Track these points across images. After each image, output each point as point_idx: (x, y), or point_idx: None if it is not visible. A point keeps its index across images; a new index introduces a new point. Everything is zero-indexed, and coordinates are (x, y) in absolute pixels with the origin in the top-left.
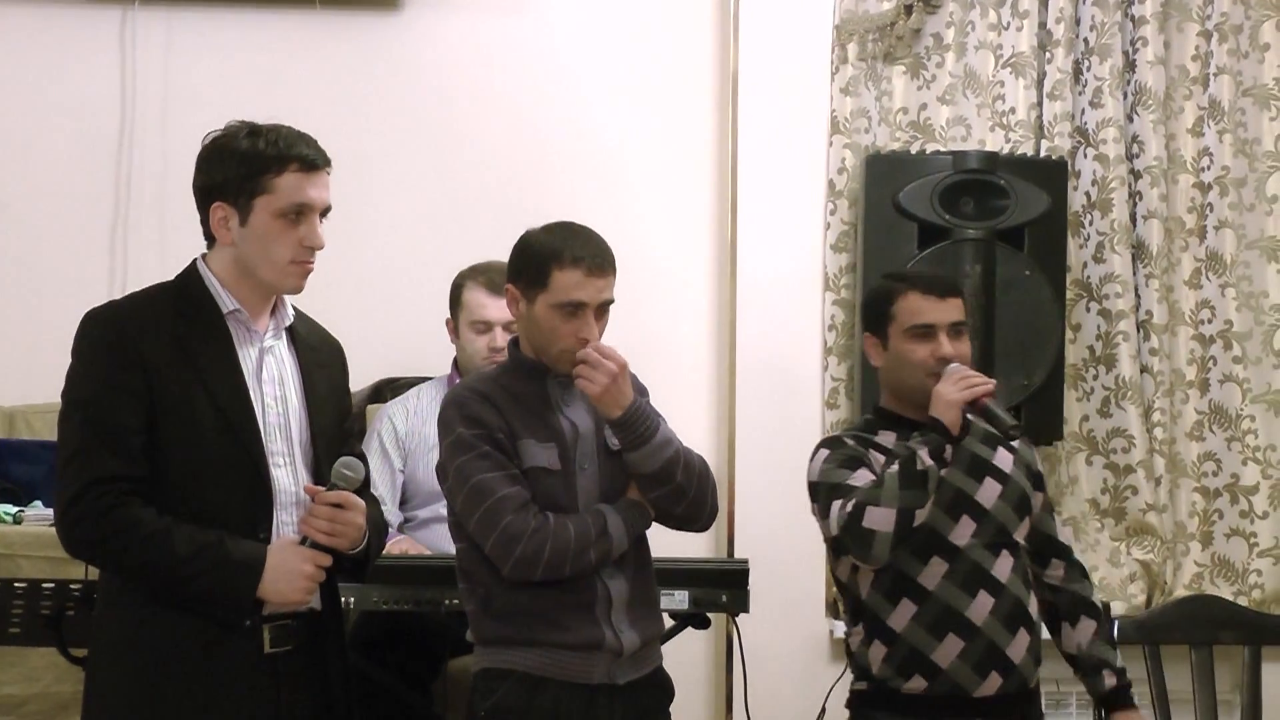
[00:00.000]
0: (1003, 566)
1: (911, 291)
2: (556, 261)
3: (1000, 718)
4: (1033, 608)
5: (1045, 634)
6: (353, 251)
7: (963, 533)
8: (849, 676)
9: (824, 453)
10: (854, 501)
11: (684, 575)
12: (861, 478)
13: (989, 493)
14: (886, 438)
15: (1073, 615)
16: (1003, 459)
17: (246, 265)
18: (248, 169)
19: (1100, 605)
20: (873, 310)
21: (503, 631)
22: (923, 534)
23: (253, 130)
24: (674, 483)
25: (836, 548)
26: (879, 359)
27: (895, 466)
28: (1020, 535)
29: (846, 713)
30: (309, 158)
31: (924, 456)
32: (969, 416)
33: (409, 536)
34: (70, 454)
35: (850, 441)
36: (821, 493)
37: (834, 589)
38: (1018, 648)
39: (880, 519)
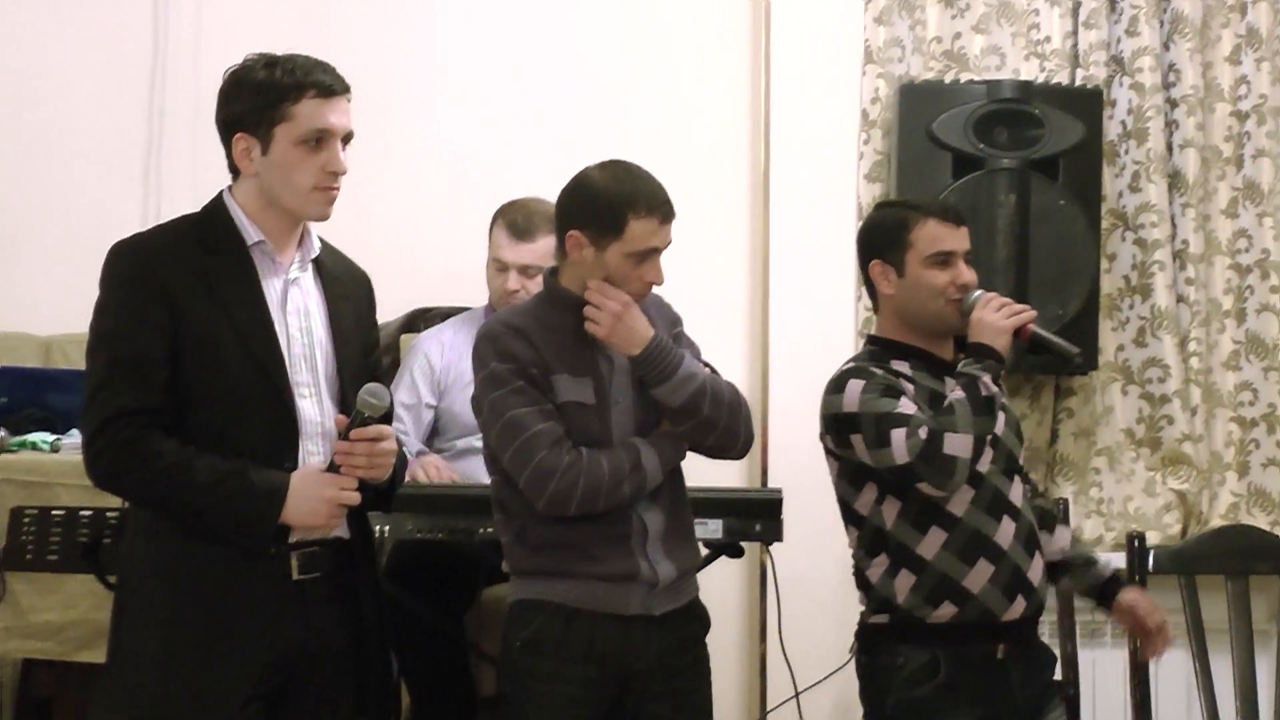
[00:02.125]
0: (1016, 492)
1: (930, 219)
2: (632, 210)
3: (1021, 640)
4: (1037, 531)
5: None
6: (387, 180)
7: (984, 460)
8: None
9: (857, 382)
10: (928, 430)
11: (718, 504)
12: (907, 406)
13: (999, 420)
14: (901, 366)
15: (1048, 525)
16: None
17: (271, 194)
18: (265, 98)
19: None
20: (884, 238)
21: (538, 563)
22: None
23: (270, 61)
24: (701, 415)
25: (898, 476)
26: (890, 287)
27: (961, 393)
28: (1022, 459)
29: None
30: (326, 84)
31: (987, 382)
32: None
33: (440, 459)
34: (95, 387)
35: (879, 370)
36: (868, 422)
37: None
38: (1036, 570)
39: (959, 445)
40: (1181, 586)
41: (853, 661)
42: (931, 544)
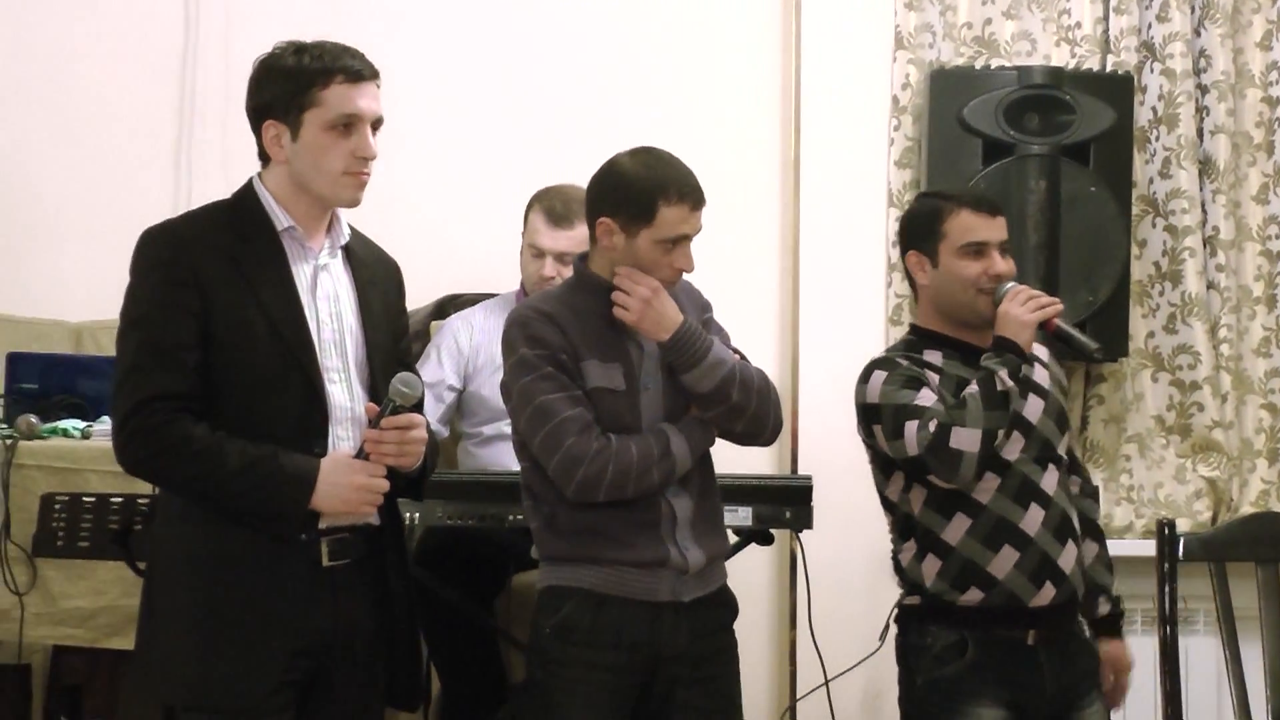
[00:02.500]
0: (1049, 480)
1: (963, 209)
2: (663, 197)
3: (1052, 627)
4: (1076, 520)
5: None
6: (418, 166)
7: (1013, 448)
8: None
9: (880, 374)
10: (937, 423)
11: (748, 491)
12: (926, 398)
13: (1034, 408)
14: (933, 356)
15: (1085, 534)
16: (1040, 375)
17: (301, 180)
18: (294, 84)
19: (1103, 532)
20: (919, 228)
21: (568, 549)
22: None
23: (298, 48)
24: (730, 402)
25: (912, 467)
26: (925, 277)
27: (975, 387)
28: (1062, 449)
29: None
30: (354, 69)
31: (1004, 377)
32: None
33: (474, 456)
34: (125, 372)
35: (904, 362)
36: (887, 414)
37: None
38: (1067, 558)
39: (966, 439)
40: (1212, 574)
41: (882, 649)
42: (956, 530)
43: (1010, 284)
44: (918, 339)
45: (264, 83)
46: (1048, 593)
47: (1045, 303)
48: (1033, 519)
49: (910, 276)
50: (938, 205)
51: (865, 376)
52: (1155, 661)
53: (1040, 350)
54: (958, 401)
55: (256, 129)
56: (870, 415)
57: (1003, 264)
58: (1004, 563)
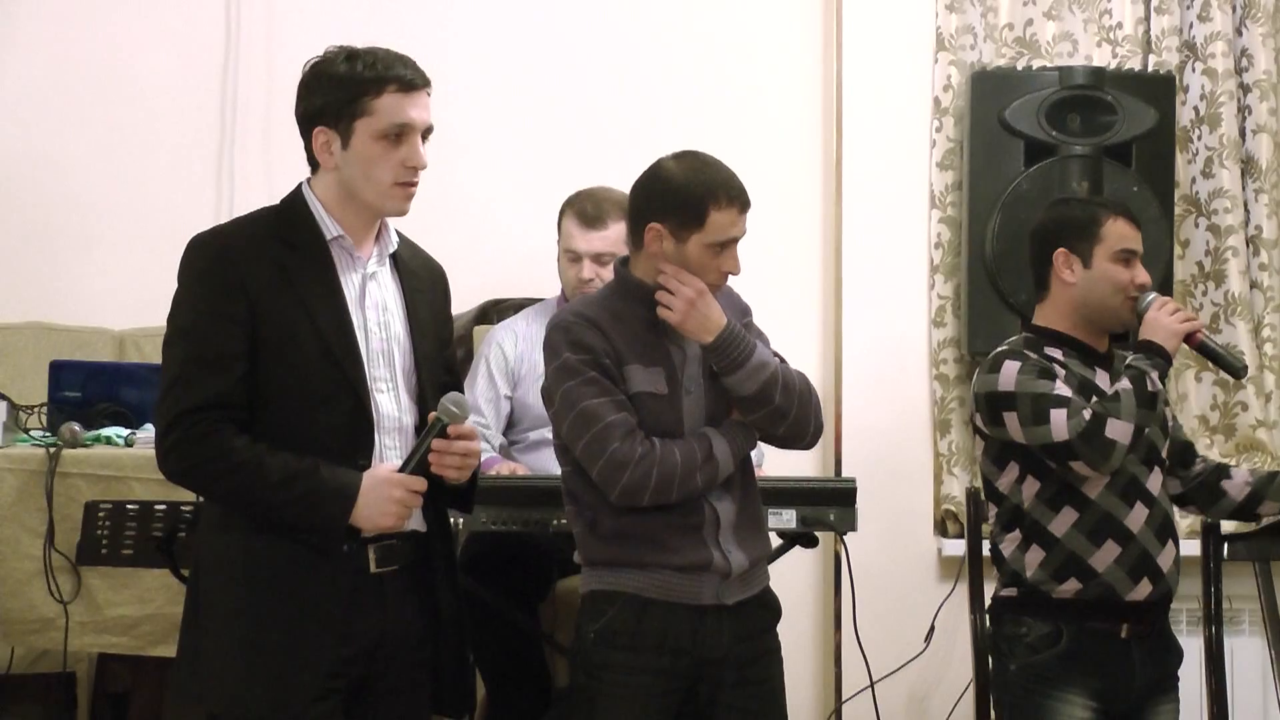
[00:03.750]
0: (1154, 481)
1: (1121, 218)
2: (714, 201)
3: (1145, 622)
4: (1176, 521)
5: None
6: (460, 172)
7: None
8: (959, 593)
9: (1013, 363)
10: (1093, 412)
11: (792, 494)
12: (1063, 389)
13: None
14: (1054, 353)
15: (1224, 472)
16: None
17: (350, 188)
18: (346, 92)
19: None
20: (1076, 229)
21: (611, 554)
22: None
23: (350, 54)
24: (773, 404)
25: (1052, 453)
26: (1073, 276)
27: (1128, 384)
28: (1165, 453)
29: (965, 628)
30: (407, 78)
31: (1155, 379)
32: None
33: (518, 461)
34: (170, 381)
35: (1032, 355)
36: (1025, 400)
37: (942, 507)
38: (1166, 557)
39: (1120, 431)
40: (1256, 574)
41: (927, 650)
42: (1063, 523)
43: (1153, 294)
44: (1037, 337)
45: (315, 88)
46: (1144, 588)
47: (1191, 315)
48: (1137, 517)
49: (1043, 275)
50: (1096, 210)
51: (994, 367)
52: (1201, 661)
53: None
54: (1111, 396)
55: (306, 134)
56: (1002, 403)
57: (1145, 274)
58: (1106, 556)
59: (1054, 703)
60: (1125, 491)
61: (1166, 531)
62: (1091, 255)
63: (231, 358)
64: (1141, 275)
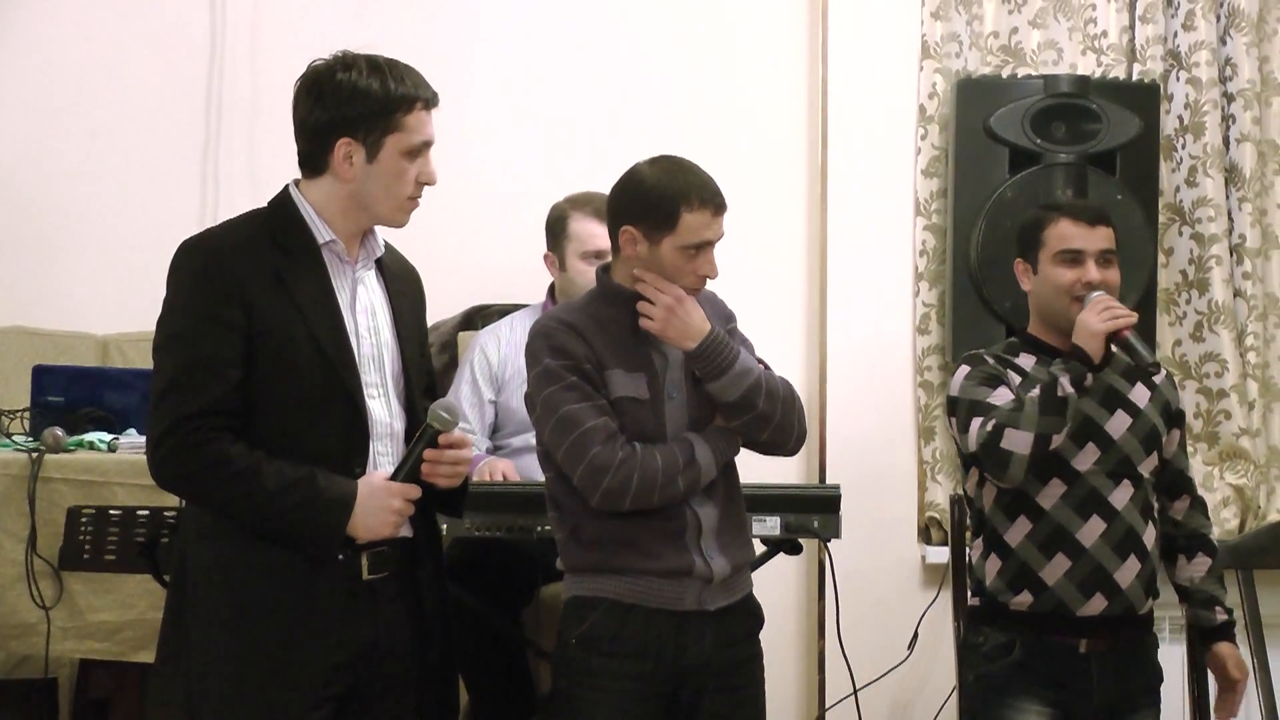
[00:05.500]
0: (1120, 495)
1: (1063, 218)
2: (685, 203)
3: (1103, 638)
4: (1148, 538)
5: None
6: (444, 178)
7: (1085, 459)
8: (942, 601)
9: (965, 369)
10: (994, 422)
11: (776, 501)
12: (1001, 396)
13: (1118, 424)
14: (1026, 360)
15: (1190, 550)
16: (1139, 394)
17: (363, 200)
18: (381, 107)
19: (1216, 545)
20: (1025, 236)
21: (592, 559)
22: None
23: (372, 65)
24: (756, 411)
25: (971, 464)
26: (1028, 284)
27: (1036, 391)
28: (1146, 469)
29: (948, 635)
30: (432, 96)
31: (1065, 384)
32: (1112, 348)
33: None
34: (164, 388)
35: (990, 360)
36: (961, 408)
37: (926, 514)
38: (1125, 573)
39: (1018, 441)
40: (1239, 581)
41: (910, 658)
42: (1017, 532)
43: (1096, 293)
44: (1020, 343)
45: (340, 98)
46: (1097, 604)
47: (1119, 313)
48: (1091, 530)
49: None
50: (1041, 214)
51: (955, 371)
52: (1183, 669)
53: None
54: (1015, 404)
55: (320, 143)
56: (949, 407)
57: (1095, 272)
58: (1055, 570)
59: (1009, 712)
60: (1082, 504)
61: (1128, 547)
62: (1038, 260)
63: (226, 363)
64: (1090, 274)
